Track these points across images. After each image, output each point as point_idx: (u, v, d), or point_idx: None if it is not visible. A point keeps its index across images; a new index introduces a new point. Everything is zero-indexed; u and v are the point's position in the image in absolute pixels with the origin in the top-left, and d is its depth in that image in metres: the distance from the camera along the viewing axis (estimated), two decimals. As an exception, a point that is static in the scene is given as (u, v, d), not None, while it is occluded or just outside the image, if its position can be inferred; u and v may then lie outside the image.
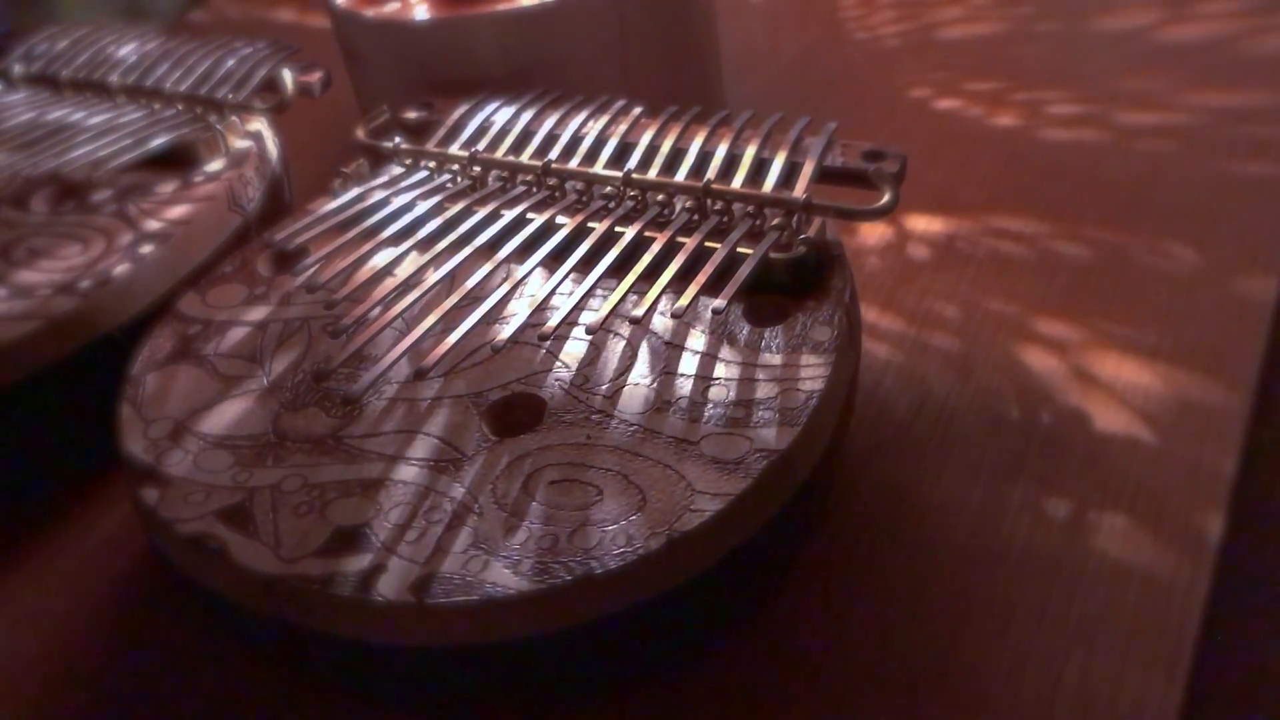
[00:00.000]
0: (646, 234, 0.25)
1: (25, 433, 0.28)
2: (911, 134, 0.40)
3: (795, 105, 0.34)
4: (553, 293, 0.24)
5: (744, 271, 0.23)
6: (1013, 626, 0.23)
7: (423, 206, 0.27)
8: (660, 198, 0.26)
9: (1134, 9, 0.45)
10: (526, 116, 0.29)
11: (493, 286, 0.24)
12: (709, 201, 0.25)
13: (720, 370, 0.22)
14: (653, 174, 0.26)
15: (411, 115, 0.31)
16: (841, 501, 0.26)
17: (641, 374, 0.23)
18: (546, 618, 0.19)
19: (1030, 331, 0.30)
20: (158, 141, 0.32)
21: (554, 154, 0.28)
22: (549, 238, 0.25)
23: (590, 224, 0.25)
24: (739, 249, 0.24)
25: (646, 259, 0.24)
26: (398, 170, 0.29)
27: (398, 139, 0.29)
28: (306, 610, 0.19)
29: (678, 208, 0.26)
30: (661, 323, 0.24)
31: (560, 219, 0.26)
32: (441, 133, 0.29)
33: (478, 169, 0.28)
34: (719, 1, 0.39)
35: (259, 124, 0.34)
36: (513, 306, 0.25)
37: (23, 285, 0.27)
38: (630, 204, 0.26)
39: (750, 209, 0.25)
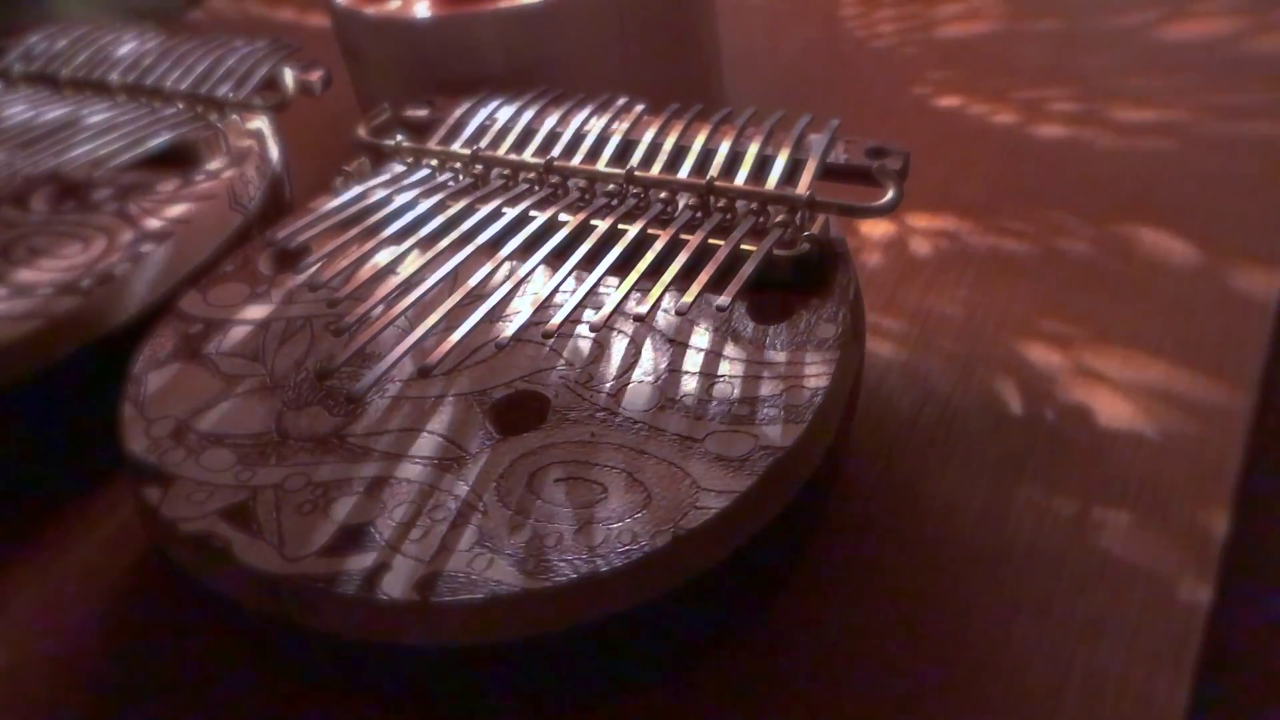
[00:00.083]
0: (650, 231, 0.25)
1: (26, 433, 0.28)
2: (912, 132, 0.40)
3: (795, 103, 0.34)
4: (556, 290, 0.24)
5: (748, 269, 0.23)
6: (1017, 624, 0.23)
7: (425, 205, 0.27)
8: (663, 195, 0.26)
9: (1134, 7, 0.45)
10: (528, 114, 0.29)
11: (495, 284, 0.24)
12: (712, 199, 0.25)
13: (724, 368, 0.22)
14: (655, 171, 0.26)
15: (413, 113, 0.30)
16: (845, 499, 0.26)
17: (645, 371, 0.23)
18: (551, 615, 0.19)
19: (1033, 328, 0.30)
20: (158, 140, 0.32)
21: (556, 152, 0.27)
22: (552, 235, 0.25)
23: (593, 222, 0.25)
24: (742, 246, 0.24)
25: (650, 256, 0.24)
26: (399, 168, 0.29)
27: (399, 137, 0.29)
28: (311, 609, 0.19)
29: (681, 205, 0.26)
30: (665, 320, 0.24)
31: (563, 217, 0.26)
32: (443, 131, 0.29)
33: (480, 167, 0.28)
34: (719, 0, 0.39)
35: (260, 122, 0.34)
36: (516, 304, 0.25)
37: (23, 284, 0.27)
38: (633, 201, 0.26)
39: (754, 206, 0.25)
